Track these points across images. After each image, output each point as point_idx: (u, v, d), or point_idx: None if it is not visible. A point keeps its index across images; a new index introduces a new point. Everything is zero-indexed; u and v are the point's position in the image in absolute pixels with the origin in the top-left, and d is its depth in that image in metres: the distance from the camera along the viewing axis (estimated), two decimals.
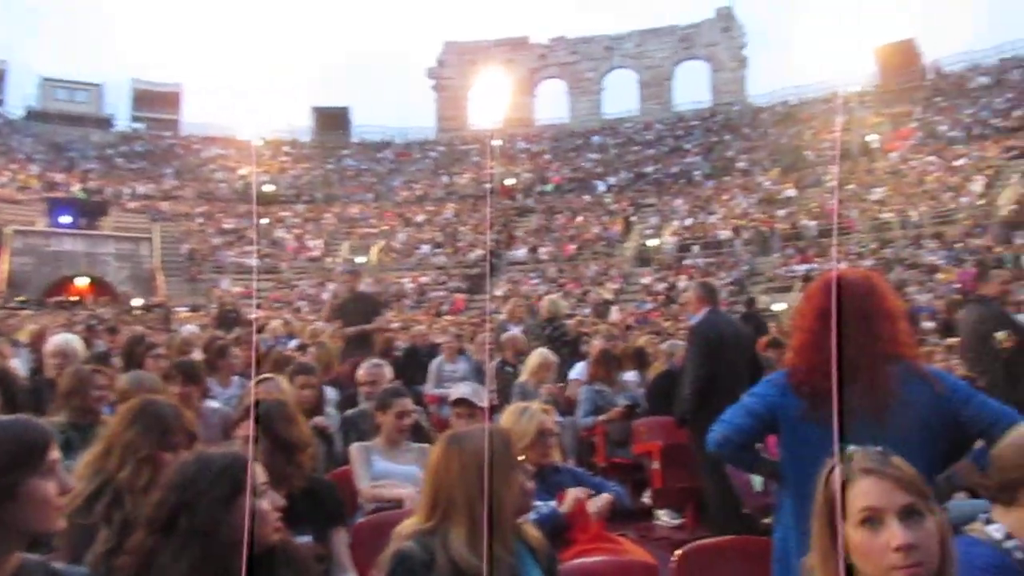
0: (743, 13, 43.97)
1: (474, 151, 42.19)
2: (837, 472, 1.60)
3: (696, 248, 29.47)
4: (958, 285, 18.87)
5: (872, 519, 1.57)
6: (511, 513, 2.11)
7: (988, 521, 1.99)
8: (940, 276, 21.92)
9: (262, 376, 4.36)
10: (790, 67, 51.80)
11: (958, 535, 2.05)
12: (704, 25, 43.80)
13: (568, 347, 8.13)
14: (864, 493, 1.59)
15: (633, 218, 33.25)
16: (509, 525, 2.10)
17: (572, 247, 31.79)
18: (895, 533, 1.55)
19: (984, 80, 34.75)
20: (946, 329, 10.35)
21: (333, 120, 45.10)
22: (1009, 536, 1.93)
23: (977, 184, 26.76)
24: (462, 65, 45.05)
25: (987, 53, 36.33)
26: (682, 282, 25.05)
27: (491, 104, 43.28)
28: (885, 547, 1.54)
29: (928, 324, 16.13)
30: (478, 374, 7.72)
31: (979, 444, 2.47)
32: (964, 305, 6.55)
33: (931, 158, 29.93)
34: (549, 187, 37.93)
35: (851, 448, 1.67)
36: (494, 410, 6.83)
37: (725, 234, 29.51)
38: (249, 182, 36.81)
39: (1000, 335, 5.38)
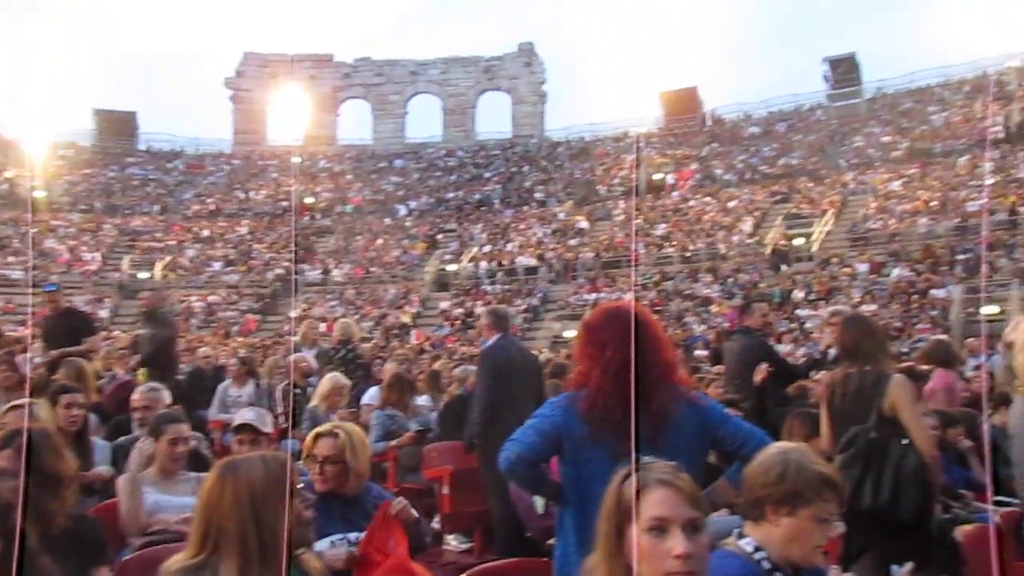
0: (544, 50, 45.77)
1: (272, 167, 40.92)
2: (633, 479, 1.69)
3: (498, 275, 30.13)
4: (727, 317, 20.49)
5: (660, 527, 1.67)
6: (287, 544, 2.04)
7: (740, 535, 2.16)
8: (713, 308, 23.71)
9: (16, 402, 3.95)
10: (586, 105, 54.49)
11: (714, 549, 2.23)
12: (507, 58, 45.13)
13: (362, 371, 8.02)
14: (657, 503, 1.70)
15: (439, 237, 33.59)
16: (284, 556, 2.03)
17: (365, 269, 31.54)
18: (678, 542, 1.67)
19: (755, 130, 38.19)
20: (716, 358, 11.19)
21: (117, 125, 42.04)
22: (758, 548, 2.10)
23: (747, 224, 29.28)
24: (262, 78, 43.65)
25: (757, 106, 39.99)
26: (479, 308, 25.50)
27: (292, 120, 42.18)
28: (667, 554, 1.65)
29: (701, 352, 17.40)
30: (267, 399, 7.45)
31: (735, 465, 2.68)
32: (731, 336, 7.11)
33: (708, 199, 32.42)
34: (349, 208, 37.46)
35: (646, 459, 1.76)
36: (283, 435, 6.62)
37: (523, 262, 30.39)
38: (16, 184, 33.56)
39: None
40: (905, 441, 3.49)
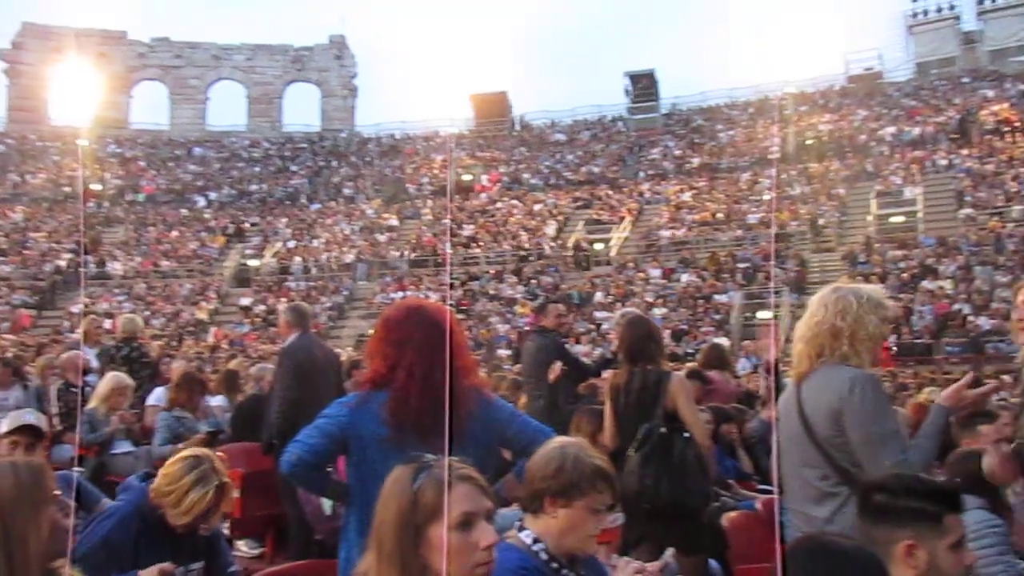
0: (355, 44, 45.08)
1: (53, 149, 37.62)
2: (446, 477, 1.69)
3: (299, 271, 29.32)
4: (529, 317, 21.07)
5: (468, 522, 1.68)
6: (39, 554, 1.89)
7: (521, 528, 2.23)
8: (518, 309, 24.32)
9: None
10: (397, 102, 54.32)
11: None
12: (317, 49, 44.08)
13: (148, 370, 7.54)
14: (464, 498, 1.71)
15: (245, 225, 32.17)
16: (37, 567, 1.88)
17: (154, 263, 29.74)
18: (487, 533, 1.70)
19: (560, 137, 39.56)
20: (518, 357, 11.48)
21: None
22: (537, 540, 2.18)
23: (551, 228, 30.26)
24: (43, 51, 40.05)
25: (563, 114, 41.46)
26: (282, 305, 24.71)
27: (77, 99, 38.99)
28: (475, 547, 1.67)
29: (505, 352, 17.83)
30: (37, 401, 6.83)
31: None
32: (529, 335, 7.31)
33: (515, 202, 33.21)
34: (141, 196, 35.15)
35: (428, 456, 1.77)
36: (56, 438, 6.10)
37: (329, 258, 29.78)
38: None
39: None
40: (687, 435, 3.75)
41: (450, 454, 1.85)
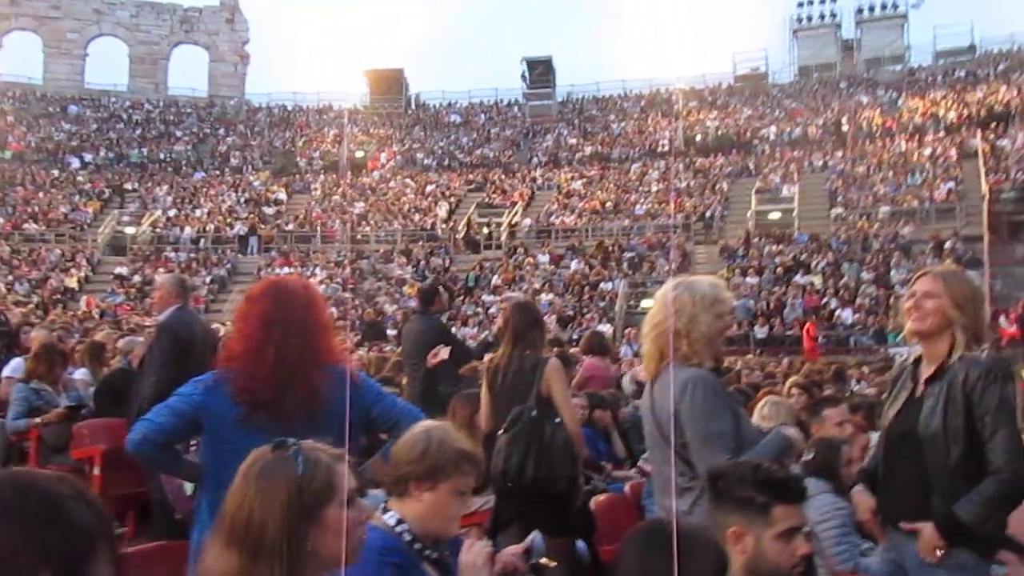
0: (249, 8, 43.49)
1: None
2: (345, 466, 1.66)
3: (184, 240, 28.23)
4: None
5: (351, 499, 1.67)
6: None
7: (385, 510, 2.23)
8: (407, 289, 24.16)
9: None
10: (290, 72, 52.72)
11: None
12: (207, 12, 42.29)
13: (6, 339, 7.12)
14: (345, 477, 1.67)
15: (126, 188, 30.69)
16: None
17: (13, 224, 28.03)
18: (363, 507, 1.73)
19: (456, 118, 39.39)
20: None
21: None
22: (400, 522, 2.18)
23: (442, 209, 30.16)
24: None
25: (460, 95, 41.28)
26: (159, 276, 23.74)
27: None
28: (356, 522, 1.67)
29: (392, 332, 17.69)
30: None
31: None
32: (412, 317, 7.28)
33: (408, 181, 32.92)
34: (8, 154, 33.00)
35: (290, 440, 1.73)
36: None
37: (212, 229, 28.79)
38: None
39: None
40: (558, 420, 3.82)
41: (307, 435, 1.82)
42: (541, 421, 3.76)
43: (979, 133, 27.33)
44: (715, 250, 25.18)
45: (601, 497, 4.41)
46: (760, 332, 20.42)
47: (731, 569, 1.89)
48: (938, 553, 2.53)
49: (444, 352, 5.57)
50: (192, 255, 27.38)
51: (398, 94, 40.68)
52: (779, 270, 22.84)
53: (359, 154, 35.00)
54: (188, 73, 42.65)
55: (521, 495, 3.70)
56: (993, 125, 28.03)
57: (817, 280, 21.85)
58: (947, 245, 21.76)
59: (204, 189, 32.49)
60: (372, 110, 40.05)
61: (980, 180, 24.25)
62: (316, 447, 1.70)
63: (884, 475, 2.78)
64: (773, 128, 32.21)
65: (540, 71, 39.06)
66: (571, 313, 22.41)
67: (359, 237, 28.63)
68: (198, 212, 30.33)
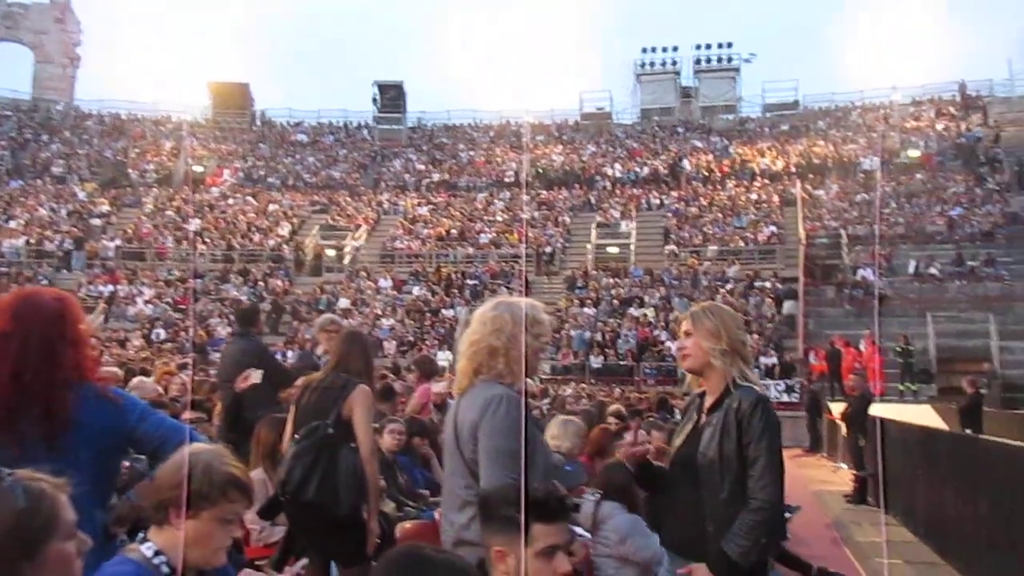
0: (81, 8, 41.09)
1: None
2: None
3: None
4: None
5: (69, 533, 1.53)
6: None
7: (143, 540, 2.08)
8: None
9: None
10: (125, 79, 49.92)
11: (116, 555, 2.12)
12: (34, 8, 39.61)
13: None
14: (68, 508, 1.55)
15: None
16: None
17: None
18: (84, 541, 1.58)
19: (303, 137, 38.59)
20: None
21: None
22: (158, 553, 2.04)
23: (284, 229, 29.36)
24: None
25: (308, 114, 40.51)
26: None
27: None
28: (74, 556, 1.54)
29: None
30: None
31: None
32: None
33: (249, 199, 31.86)
34: None
35: (4, 471, 1.56)
36: None
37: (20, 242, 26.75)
38: None
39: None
40: (353, 445, 3.74)
41: (46, 460, 1.68)
42: (335, 440, 3.67)
43: (799, 183, 29.46)
44: (555, 280, 25.78)
45: (407, 524, 4.35)
46: (596, 362, 21.01)
47: None
48: None
49: (255, 375, 5.34)
50: (2, 269, 25.30)
51: (242, 109, 39.44)
52: (615, 302, 23.64)
53: (198, 169, 33.58)
54: (9, 74, 39.73)
55: (301, 515, 3.58)
56: (811, 176, 30.31)
57: (650, 313, 22.76)
58: (767, 285, 23.29)
59: (21, 198, 30.19)
60: (214, 124, 38.61)
61: (798, 226, 26.10)
62: (36, 477, 1.56)
63: (667, 503, 2.88)
64: (616, 166, 33.46)
65: (391, 95, 38.97)
66: (411, 339, 22.29)
67: (193, 255, 27.38)
68: (12, 223, 28.11)
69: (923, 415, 13.72)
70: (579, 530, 3.77)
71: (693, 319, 2.85)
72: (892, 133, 31.68)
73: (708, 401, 2.82)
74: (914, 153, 30.25)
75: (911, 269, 23.25)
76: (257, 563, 3.50)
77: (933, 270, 23.01)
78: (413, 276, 26.15)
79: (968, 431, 11.38)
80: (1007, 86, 34.98)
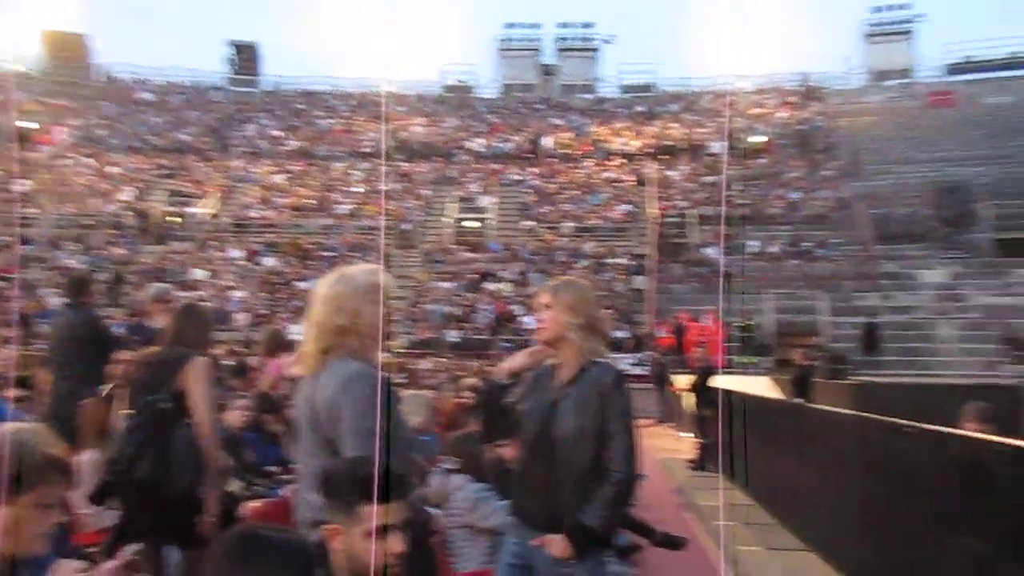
0: None
1: None
2: None
3: None
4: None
5: None
6: None
7: None
8: None
9: None
10: None
11: None
12: None
13: None
14: None
15: None
16: None
17: None
18: None
19: (149, 96, 36.43)
20: None
21: None
22: None
23: (126, 194, 27.69)
24: None
25: (154, 72, 38.24)
26: None
27: None
28: None
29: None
30: None
31: None
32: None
33: (87, 160, 29.82)
34: None
35: None
36: None
37: None
38: None
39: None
40: (191, 420, 3.56)
41: None
42: (170, 415, 3.48)
43: (653, 163, 30.43)
44: (412, 254, 25.60)
45: (255, 503, 4.19)
46: (453, 336, 21.06)
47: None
48: (568, 555, 2.66)
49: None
50: None
51: (80, 62, 36.75)
52: (473, 276, 23.73)
53: (29, 125, 31.10)
54: None
55: (133, 495, 3.39)
56: (665, 157, 31.38)
57: (507, 288, 23.00)
58: (620, 261, 24.01)
59: None
60: (48, 77, 35.79)
61: (651, 205, 26.99)
62: None
63: (521, 478, 2.88)
64: (479, 141, 33.46)
65: (246, 56, 37.41)
66: (264, 311, 21.60)
67: (24, 219, 25.39)
68: None
69: (761, 386, 14.55)
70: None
71: (552, 292, 2.86)
72: (739, 119, 33.20)
73: (563, 375, 2.84)
74: (758, 139, 31.82)
75: (753, 248, 24.54)
76: (87, 550, 3.29)
77: (774, 250, 24.37)
78: (267, 246, 25.30)
79: (799, 400, 12.15)
80: (844, 79, 37.43)
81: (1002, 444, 3.86)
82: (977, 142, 29.52)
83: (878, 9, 39.31)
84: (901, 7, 39.00)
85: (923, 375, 17.69)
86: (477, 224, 27.49)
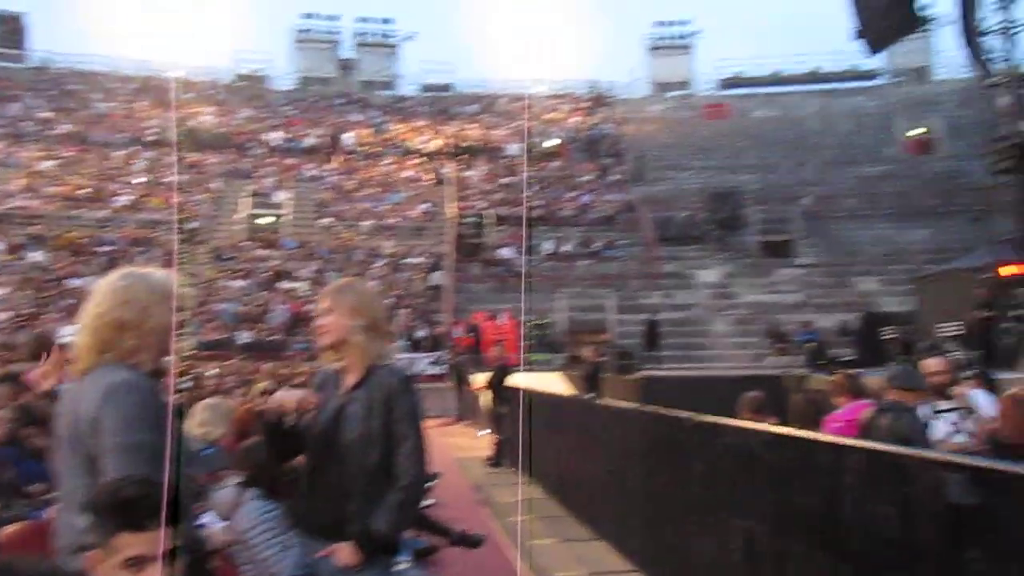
0: None
1: None
2: None
3: None
4: None
5: None
6: None
7: None
8: None
9: None
10: None
11: None
12: None
13: None
14: None
15: None
16: None
17: None
18: None
19: None
20: None
21: None
22: None
23: None
24: None
25: None
26: None
27: None
28: None
29: None
30: None
31: None
32: None
33: None
34: None
35: None
36: None
37: None
38: None
39: None
40: None
41: None
42: None
43: (452, 163, 30.71)
44: (200, 250, 24.31)
45: (13, 528, 3.79)
46: (244, 337, 20.19)
47: None
48: (355, 562, 2.60)
49: None
50: None
51: None
52: (267, 275, 22.89)
53: None
54: None
55: None
56: (463, 157, 31.75)
57: (303, 287, 22.37)
58: (419, 260, 24.04)
59: None
60: None
61: (449, 205, 27.22)
62: None
63: (308, 487, 2.79)
64: (275, 134, 32.27)
65: (9, 28, 33.90)
66: (32, 310, 19.70)
67: None
68: None
69: (555, 383, 15.07)
70: (210, 519, 3.55)
71: (333, 295, 2.80)
72: (534, 122, 34.23)
73: (349, 379, 2.78)
74: (552, 143, 32.96)
75: (547, 249, 25.38)
76: None
77: (566, 249, 25.32)
78: (32, 240, 23.06)
79: (589, 395, 12.70)
80: (629, 88, 39.56)
81: (765, 431, 4.23)
82: (746, 152, 32.20)
83: (661, 24, 41.85)
84: (681, 23, 41.76)
85: (701, 368, 19.05)
86: (272, 220, 26.52)
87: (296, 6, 41.59)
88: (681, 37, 41.38)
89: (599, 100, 37.75)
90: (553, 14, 42.19)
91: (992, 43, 13.24)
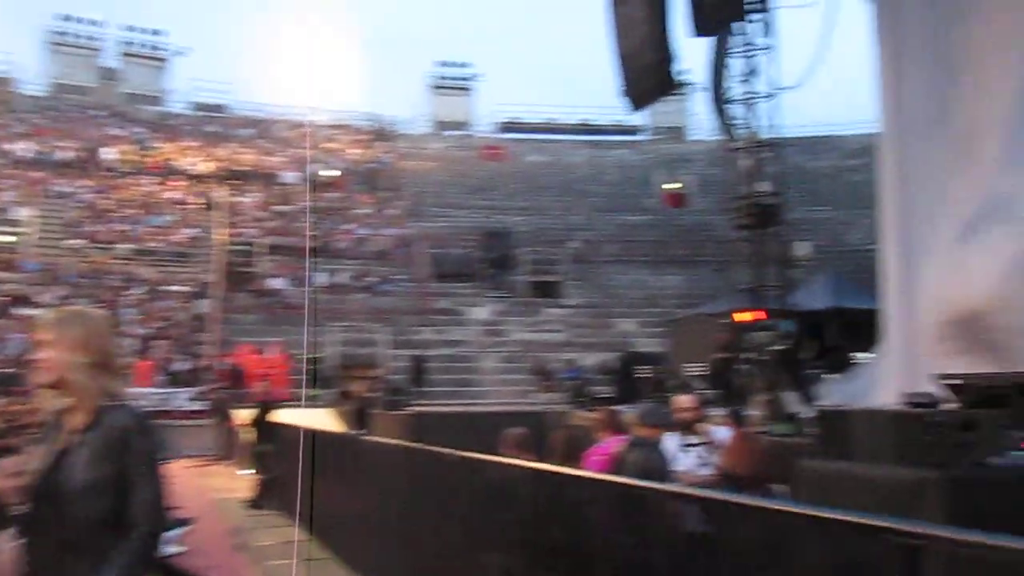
0: None
1: None
2: None
3: None
4: None
5: None
6: None
7: None
8: None
9: None
10: None
11: None
12: None
13: None
14: None
15: None
16: None
17: None
18: None
19: None
20: None
21: None
22: None
23: None
24: None
25: None
26: None
27: None
28: None
29: None
30: None
31: None
32: None
33: None
34: None
35: None
36: None
37: None
38: None
39: None
40: None
41: None
42: None
43: (221, 187, 29.39)
44: None
45: None
46: None
47: None
48: None
49: None
50: None
51: None
52: (4, 300, 20.66)
53: None
54: None
55: None
56: (236, 181, 30.51)
57: (45, 314, 20.35)
58: (182, 288, 22.69)
59: None
60: None
61: (218, 231, 25.99)
62: None
63: (30, 535, 2.53)
64: (21, 144, 29.32)
65: None
66: None
67: None
68: None
69: (324, 419, 14.72)
70: None
71: (56, 326, 2.53)
72: (312, 151, 33.62)
73: (77, 420, 2.54)
74: (331, 173, 32.52)
75: (322, 281, 24.87)
76: None
77: (341, 282, 24.95)
78: None
79: (357, 432, 12.53)
80: (410, 124, 40.00)
81: (522, 467, 4.39)
82: (519, 194, 33.52)
83: (443, 64, 42.72)
84: (463, 65, 42.87)
85: (469, 404, 19.39)
86: (11, 239, 23.97)
87: (52, 6, 38.05)
88: (462, 79, 42.46)
89: (380, 134, 37.81)
90: (336, 43, 41.84)
91: (736, 111, 14.65)
